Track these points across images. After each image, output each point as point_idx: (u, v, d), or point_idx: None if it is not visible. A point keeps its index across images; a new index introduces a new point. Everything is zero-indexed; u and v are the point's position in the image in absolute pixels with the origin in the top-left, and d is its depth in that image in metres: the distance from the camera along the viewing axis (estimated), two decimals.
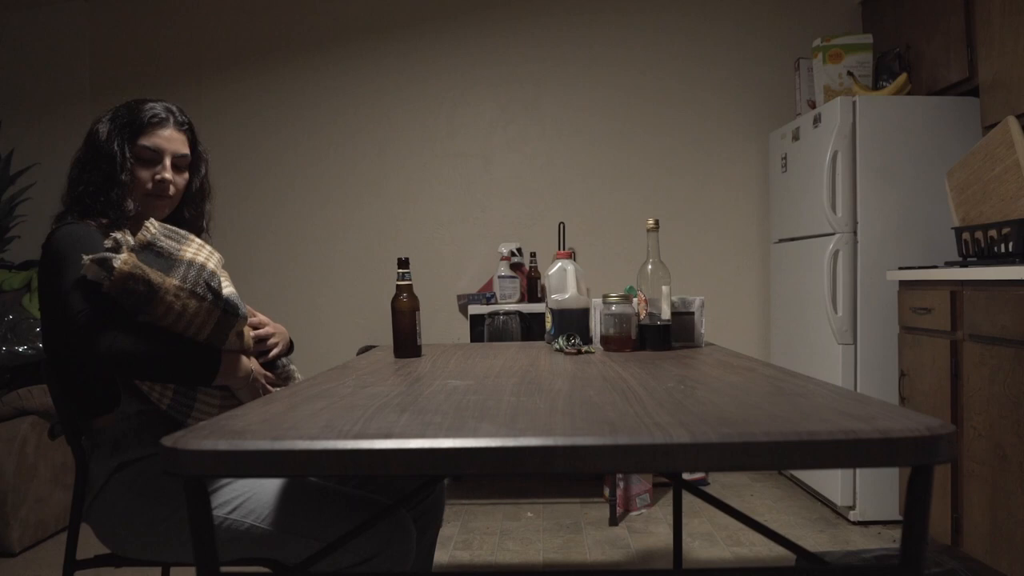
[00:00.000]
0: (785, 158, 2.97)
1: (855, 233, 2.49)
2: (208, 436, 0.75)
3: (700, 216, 3.32)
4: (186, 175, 1.39)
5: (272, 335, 1.35)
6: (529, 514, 2.72)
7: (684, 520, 2.61)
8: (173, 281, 1.15)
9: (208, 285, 1.17)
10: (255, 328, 1.33)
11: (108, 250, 1.15)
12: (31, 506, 2.48)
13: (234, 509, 1.15)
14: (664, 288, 1.56)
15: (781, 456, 0.70)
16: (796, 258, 2.86)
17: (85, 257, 1.13)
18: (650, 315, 1.56)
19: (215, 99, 3.46)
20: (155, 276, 1.14)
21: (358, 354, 3.09)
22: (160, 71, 3.46)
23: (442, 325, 3.40)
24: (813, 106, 2.93)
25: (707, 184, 3.32)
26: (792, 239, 2.93)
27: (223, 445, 0.72)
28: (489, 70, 3.38)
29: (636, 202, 3.34)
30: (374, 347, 2.63)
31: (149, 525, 1.17)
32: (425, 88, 3.40)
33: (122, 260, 1.12)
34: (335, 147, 3.44)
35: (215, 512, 1.13)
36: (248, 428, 0.79)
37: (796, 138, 2.84)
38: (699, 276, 3.32)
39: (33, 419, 2.51)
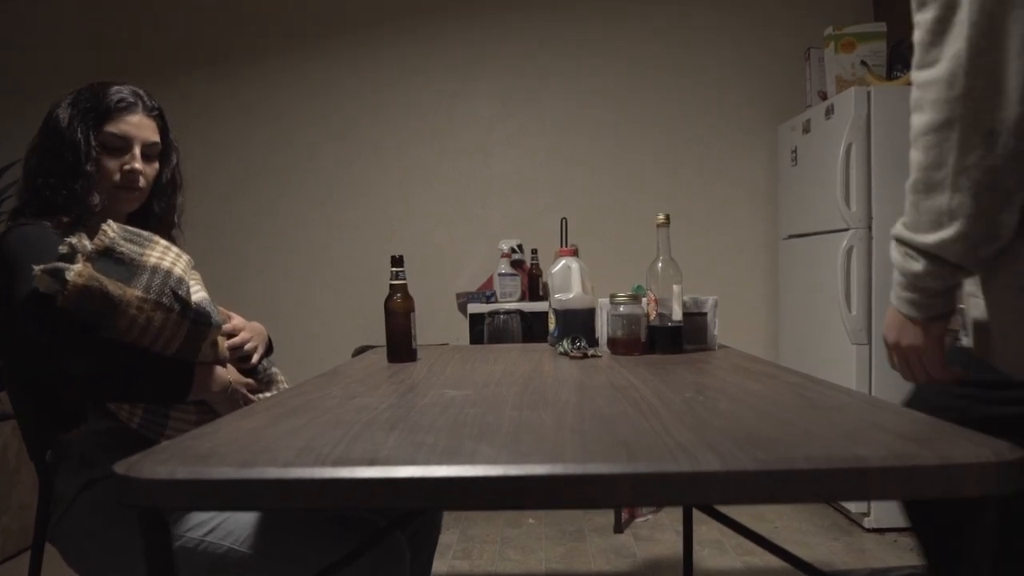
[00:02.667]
0: (795, 151, 2.87)
1: (870, 228, 2.39)
2: (167, 461, 0.66)
3: (706, 212, 3.22)
4: (156, 165, 1.28)
5: (249, 339, 1.25)
6: (531, 520, 2.63)
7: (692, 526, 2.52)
8: (135, 292, 1.05)
9: (175, 294, 1.07)
10: (229, 336, 1.23)
11: (62, 257, 1.05)
12: (14, 513, 2.39)
13: (211, 530, 1.05)
14: (675, 287, 1.47)
15: (827, 487, 0.60)
16: (807, 255, 2.77)
17: (36, 268, 1.02)
18: (660, 316, 1.47)
19: (206, 92, 3.35)
20: (114, 288, 1.03)
21: (354, 355, 3.00)
22: (150, 64, 3.36)
23: (441, 324, 3.30)
24: (824, 97, 2.83)
25: (714, 178, 3.22)
26: (803, 235, 2.83)
27: (182, 473, 0.63)
28: (489, 63, 3.27)
29: (640, 197, 3.24)
30: (371, 348, 2.53)
31: (121, 548, 1.08)
32: (423, 81, 3.30)
33: (76, 272, 1.01)
34: (330, 142, 3.34)
35: (189, 534, 1.04)
36: (214, 451, 0.69)
37: (807, 131, 2.75)
38: (705, 274, 3.22)
39: (15, 423, 2.41)
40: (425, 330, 3.26)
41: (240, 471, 0.63)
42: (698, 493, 0.60)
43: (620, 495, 0.61)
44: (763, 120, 3.18)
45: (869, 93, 2.38)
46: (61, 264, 1.04)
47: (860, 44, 2.67)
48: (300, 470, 0.62)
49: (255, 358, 1.26)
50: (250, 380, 1.25)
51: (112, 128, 1.20)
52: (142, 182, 1.23)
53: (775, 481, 0.60)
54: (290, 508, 0.62)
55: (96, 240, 1.09)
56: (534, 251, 3.10)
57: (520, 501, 0.61)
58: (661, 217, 1.49)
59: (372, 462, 0.63)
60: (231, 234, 3.37)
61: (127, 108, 1.21)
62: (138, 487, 0.63)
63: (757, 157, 3.20)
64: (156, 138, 1.26)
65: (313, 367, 3.29)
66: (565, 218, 3.07)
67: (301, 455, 0.66)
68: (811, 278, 2.74)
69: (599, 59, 3.23)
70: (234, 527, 1.06)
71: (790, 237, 2.96)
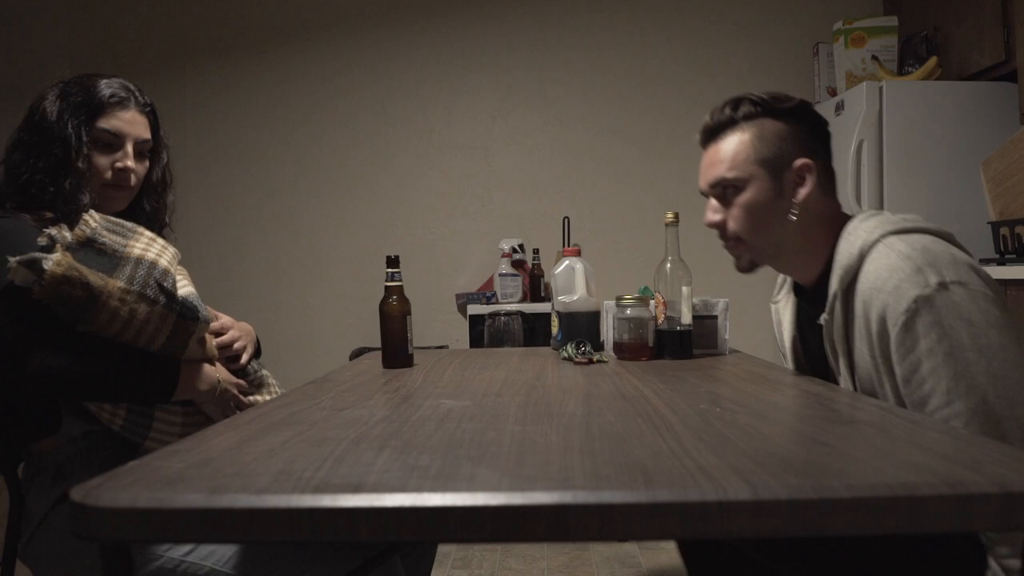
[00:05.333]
0: None
1: None
2: (130, 485, 0.59)
3: None
4: (147, 163, 1.22)
5: (238, 338, 1.19)
6: None
7: None
8: (117, 283, 0.99)
9: (160, 286, 1.01)
10: (218, 335, 1.17)
11: (40, 249, 0.99)
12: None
13: (191, 550, 0.98)
14: (685, 289, 1.40)
15: (873, 518, 0.53)
16: None
17: (11, 259, 0.96)
18: (669, 319, 1.40)
19: (200, 87, 3.28)
20: (95, 278, 0.97)
21: (351, 358, 2.94)
22: (143, 58, 3.29)
23: (440, 326, 3.24)
24: (833, 93, 2.76)
25: None
26: None
27: (143, 502, 0.56)
28: (489, 56, 3.21)
29: (644, 195, 3.17)
30: (368, 350, 2.47)
31: (98, 567, 1.01)
32: (422, 75, 3.23)
33: (55, 261, 0.96)
34: (327, 138, 3.27)
35: (169, 554, 0.97)
36: (184, 473, 0.62)
37: None
38: (709, 274, 3.15)
39: None
40: (424, 331, 3.20)
41: (209, 498, 0.56)
42: (725, 526, 0.53)
43: (638, 528, 0.54)
44: None
45: (881, 88, 2.31)
46: (38, 254, 0.98)
47: (871, 38, 2.60)
48: (276, 498, 0.55)
49: (244, 358, 1.20)
50: (241, 381, 1.19)
51: (105, 124, 1.13)
52: (133, 180, 1.17)
53: (814, 513, 0.53)
54: (265, 541, 0.56)
55: (77, 231, 1.03)
56: (536, 251, 3.03)
57: (524, 534, 0.54)
58: (670, 215, 1.42)
59: (357, 488, 0.56)
60: (226, 231, 3.30)
61: (120, 103, 1.15)
62: (95, 517, 0.56)
63: None
64: (148, 135, 1.20)
65: (309, 369, 3.23)
66: (568, 217, 3.00)
67: (279, 480, 0.59)
68: None
69: (602, 53, 3.16)
70: (217, 546, 0.99)
71: None
